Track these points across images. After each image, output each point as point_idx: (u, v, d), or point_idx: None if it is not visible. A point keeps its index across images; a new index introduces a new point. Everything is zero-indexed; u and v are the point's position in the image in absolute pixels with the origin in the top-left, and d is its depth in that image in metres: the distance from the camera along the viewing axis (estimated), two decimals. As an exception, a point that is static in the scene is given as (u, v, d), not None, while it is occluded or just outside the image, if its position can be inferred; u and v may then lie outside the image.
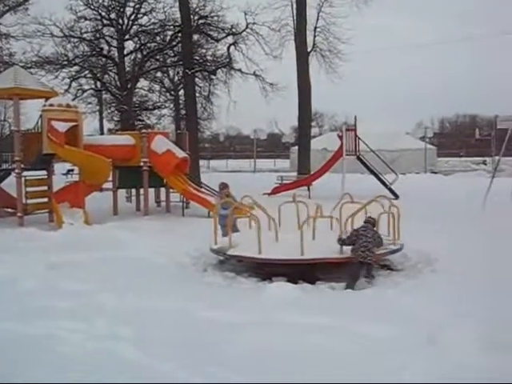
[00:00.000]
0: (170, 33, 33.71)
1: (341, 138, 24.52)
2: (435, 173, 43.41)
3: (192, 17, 30.20)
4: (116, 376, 5.16)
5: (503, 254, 10.31)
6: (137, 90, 38.20)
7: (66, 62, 32.47)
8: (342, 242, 9.36)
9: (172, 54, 34.73)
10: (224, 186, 12.93)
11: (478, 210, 17.94)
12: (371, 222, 9.68)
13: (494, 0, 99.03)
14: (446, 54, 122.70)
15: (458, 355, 5.46)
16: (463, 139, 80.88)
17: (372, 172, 25.04)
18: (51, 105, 16.06)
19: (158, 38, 34.32)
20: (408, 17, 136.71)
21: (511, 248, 10.92)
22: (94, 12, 33.94)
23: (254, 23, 31.57)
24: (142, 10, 34.64)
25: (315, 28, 33.85)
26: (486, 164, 50.86)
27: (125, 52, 35.13)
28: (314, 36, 33.87)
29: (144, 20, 34.87)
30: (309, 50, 32.62)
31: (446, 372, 5.17)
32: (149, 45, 34.54)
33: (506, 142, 20.32)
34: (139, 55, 35.39)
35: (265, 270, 9.71)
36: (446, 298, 7.57)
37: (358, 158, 24.79)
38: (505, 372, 5.00)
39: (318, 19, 33.90)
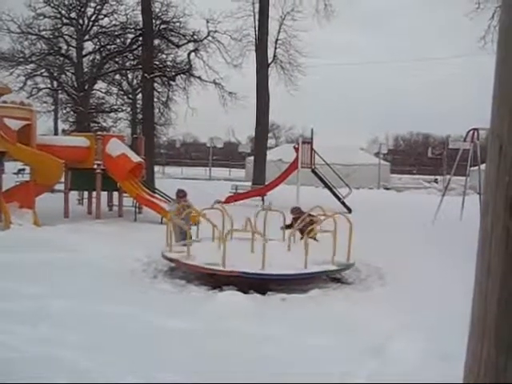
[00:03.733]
0: (130, 36, 33.37)
1: (297, 150, 24.70)
2: (388, 189, 44.16)
3: (154, 21, 30.03)
4: (59, 380, 5.03)
5: (450, 269, 10.55)
6: (94, 92, 37.69)
7: (22, 60, 31.79)
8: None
9: (132, 58, 34.40)
10: (183, 193, 12.37)
11: (428, 227, 18.33)
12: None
13: (452, 23, 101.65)
14: (402, 72, 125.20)
15: (403, 366, 5.55)
16: (416, 157, 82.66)
17: (326, 185, 25.27)
18: (4, 102, 15.72)
19: (118, 41, 33.95)
20: (368, 34, 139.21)
21: (458, 263, 11.15)
22: (54, 10, 33.41)
23: (215, 31, 31.63)
24: (103, 12, 34.29)
25: (276, 40, 34.09)
26: (437, 182, 52.02)
27: (83, 52, 34.65)
28: (275, 48, 34.10)
29: (105, 21, 34.51)
30: (269, 61, 32.80)
31: (390, 381, 5.24)
32: (108, 47, 34.12)
33: (457, 161, 20.81)
34: (98, 56, 34.96)
35: (215, 279, 9.68)
36: (394, 310, 7.69)
37: (313, 171, 25.00)
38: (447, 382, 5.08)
39: (279, 31, 34.17)
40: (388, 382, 5.24)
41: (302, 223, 10.90)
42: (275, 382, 5.23)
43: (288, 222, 12.19)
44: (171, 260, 10.13)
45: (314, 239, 10.90)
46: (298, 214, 12.49)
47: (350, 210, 22.87)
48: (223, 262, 9.07)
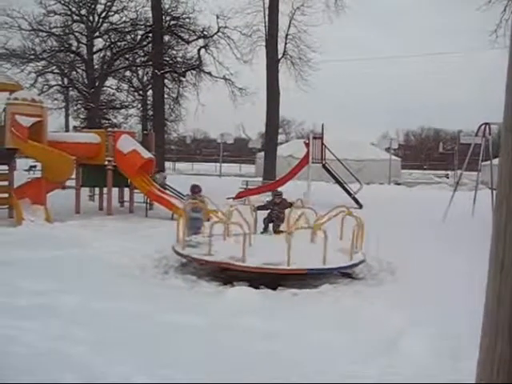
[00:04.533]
0: (140, 32, 33.40)
1: (307, 145, 24.65)
2: (399, 184, 43.98)
3: (164, 17, 30.07)
4: (67, 376, 5.04)
5: (462, 265, 10.48)
6: (104, 89, 37.74)
7: (33, 57, 31.87)
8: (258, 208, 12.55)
9: (142, 54, 34.41)
10: (198, 189, 12.38)
11: (440, 222, 18.24)
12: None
13: (462, 17, 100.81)
14: (414, 67, 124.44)
15: (414, 362, 5.53)
16: (427, 152, 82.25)
17: (337, 181, 25.21)
18: (15, 98, 15.76)
19: (128, 37, 33.96)
20: (379, 30, 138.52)
21: (470, 259, 11.09)
22: (65, 7, 33.46)
23: (225, 27, 31.60)
24: (114, 8, 34.29)
25: (286, 35, 34.00)
26: (448, 177, 51.72)
27: (94, 49, 34.68)
28: (285, 43, 34.02)
29: (115, 18, 34.53)
30: (279, 56, 32.74)
31: (401, 379, 5.22)
32: (119, 43, 34.13)
33: (468, 156, 20.69)
34: (108, 53, 34.96)
35: (226, 274, 9.68)
36: (405, 306, 7.64)
37: (324, 167, 24.94)
38: (457, 380, 5.06)
39: (289, 27, 34.07)
40: (399, 383, 5.20)
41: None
42: (285, 379, 5.23)
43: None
44: (207, 262, 9.78)
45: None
46: (280, 198, 12.79)
47: (360, 206, 22.82)
48: (288, 260, 9.03)
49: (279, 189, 21.31)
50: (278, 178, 28.06)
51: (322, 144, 24.91)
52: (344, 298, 8.38)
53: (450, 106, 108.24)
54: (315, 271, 9.38)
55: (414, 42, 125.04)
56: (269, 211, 13.13)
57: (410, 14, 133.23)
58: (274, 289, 8.91)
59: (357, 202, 23.46)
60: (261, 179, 31.70)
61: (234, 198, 23.94)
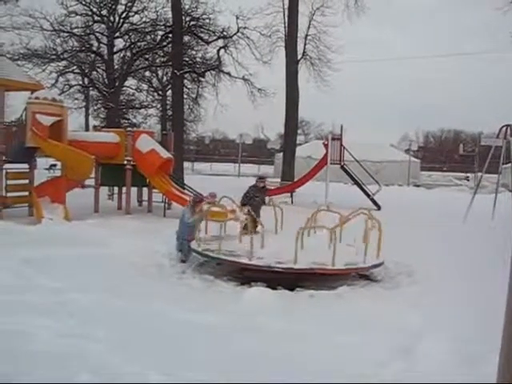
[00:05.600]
0: (160, 33, 33.56)
1: (326, 146, 24.58)
2: (418, 186, 43.71)
3: (183, 18, 30.13)
4: (83, 376, 5.07)
5: (481, 268, 10.38)
6: (124, 89, 38.01)
7: (54, 57, 32.18)
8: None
9: (161, 54, 34.58)
10: (199, 199, 11.62)
11: (459, 224, 18.07)
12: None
13: (487, 19, 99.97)
14: (434, 68, 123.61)
15: (430, 366, 5.48)
16: (447, 154, 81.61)
17: (355, 182, 25.10)
18: (37, 98, 15.89)
19: (148, 38, 34.14)
20: (398, 30, 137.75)
21: (489, 262, 10.99)
22: (85, 8, 33.77)
23: (245, 27, 31.58)
24: (134, 9, 34.55)
25: (306, 36, 33.91)
26: (468, 180, 51.31)
27: (114, 49, 34.93)
28: (305, 44, 33.93)
29: (135, 18, 34.78)
30: (299, 57, 32.68)
31: (418, 381, 5.18)
32: (139, 44, 34.34)
33: (489, 158, 20.49)
34: (128, 53, 35.19)
35: (244, 275, 9.67)
36: (423, 309, 7.59)
37: (342, 168, 24.85)
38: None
39: (309, 27, 33.96)
40: (416, 382, 5.16)
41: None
42: (301, 380, 5.20)
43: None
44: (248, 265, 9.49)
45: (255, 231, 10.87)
46: (263, 182, 13.07)
47: (379, 207, 22.70)
48: (333, 260, 9.09)
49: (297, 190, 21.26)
50: (296, 179, 28.02)
51: (341, 145, 24.82)
52: (361, 300, 8.34)
53: (471, 108, 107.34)
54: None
55: (435, 43, 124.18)
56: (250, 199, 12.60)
57: (431, 13, 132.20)
58: (292, 290, 8.89)
59: (375, 203, 23.34)
60: (279, 180, 31.66)
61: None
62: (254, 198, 12.76)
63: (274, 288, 8.66)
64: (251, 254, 9.37)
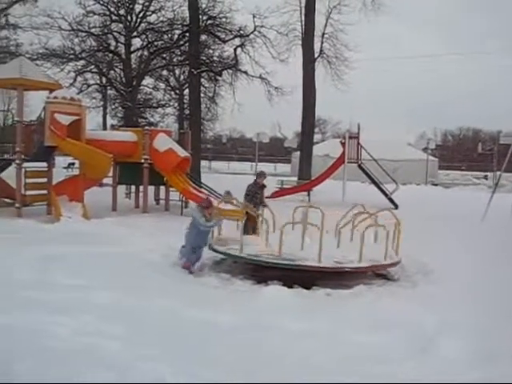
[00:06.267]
0: (177, 32, 33.64)
1: (343, 145, 24.51)
2: (436, 185, 43.39)
3: (200, 17, 30.19)
4: (100, 373, 5.10)
5: (499, 267, 10.30)
6: (142, 88, 38.17)
7: (72, 56, 32.41)
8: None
9: (179, 53, 34.66)
10: (207, 204, 10.49)
11: (478, 224, 17.93)
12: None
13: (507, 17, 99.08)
14: (454, 66, 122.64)
15: (449, 365, 5.45)
16: (465, 153, 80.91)
17: (372, 181, 24.99)
18: (55, 97, 16.03)
19: (165, 37, 34.25)
20: (416, 27, 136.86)
21: (507, 262, 10.91)
22: (103, 7, 33.99)
23: (261, 26, 31.56)
24: (151, 8, 34.70)
25: (323, 34, 33.89)
26: (487, 179, 50.85)
27: (132, 49, 35.12)
28: (322, 42, 33.92)
29: (152, 18, 34.94)
30: (315, 55, 32.62)
31: (435, 381, 5.16)
32: (156, 43, 34.48)
33: (508, 157, 20.31)
34: (146, 53, 35.37)
35: (260, 273, 9.68)
36: (440, 309, 7.54)
37: (359, 166, 24.76)
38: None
39: (326, 25, 33.95)
40: (433, 382, 5.14)
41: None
42: (318, 380, 5.20)
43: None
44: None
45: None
46: (264, 178, 12.66)
47: (396, 206, 22.58)
48: (360, 258, 9.21)
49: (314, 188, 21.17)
50: (313, 178, 27.98)
51: (358, 143, 24.73)
52: (379, 299, 8.30)
53: (490, 106, 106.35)
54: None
55: (454, 40, 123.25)
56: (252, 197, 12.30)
57: (449, 11, 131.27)
58: (308, 288, 8.89)
59: (393, 202, 23.23)
60: (296, 179, 31.63)
61: (268, 197, 23.95)
62: (256, 196, 12.37)
63: (290, 286, 8.66)
64: (310, 256, 9.46)
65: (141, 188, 19.42)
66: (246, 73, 32.28)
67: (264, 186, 12.86)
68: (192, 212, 10.71)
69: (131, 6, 34.67)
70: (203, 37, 32.00)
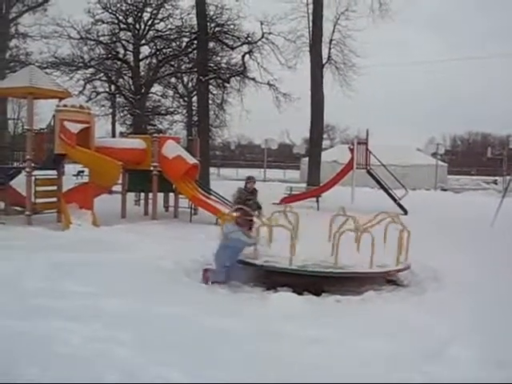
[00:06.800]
0: (185, 39, 33.75)
1: (352, 151, 24.50)
2: (445, 190, 43.28)
3: (208, 24, 30.29)
4: (112, 379, 5.13)
5: (509, 273, 10.24)
6: (150, 95, 38.28)
7: (81, 64, 32.55)
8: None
9: (187, 61, 34.77)
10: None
11: (487, 229, 17.86)
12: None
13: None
14: (461, 71, 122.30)
15: (460, 372, 5.43)
16: (475, 158, 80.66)
17: (382, 186, 24.95)
18: (64, 105, 16.14)
19: (173, 44, 34.36)
20: (424, 33, 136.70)
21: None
22: (112, 16, 34.16)
23: (269, 33, 31.57)
24: (159, 16, 34.88)
25: (331, 40, 33.89)
26: (496, 183, 50.63)
27: (140, 56, 35.27)
28: (329, 48, 33.90)
29: (161, 26, 35.10)
30: (323, 62, 32.63)
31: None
32: (164, 50, 34.60)
33: (517, 161, 20.21)
34: (154, 60, 35.51)
35: (270, 280, 9.67)
36: (451, 315, 7.51)
37: (368, 172, 24.73)
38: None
39: (333, 32, 33.93)
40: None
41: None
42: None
43: None
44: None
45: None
46: (253, 183, 12.48)
47: (406, 212, 22.54)
48: (397, 261, 9.42)
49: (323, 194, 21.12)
50: (322, 184, 27.96)
51: (367, 149, 24.72)
52: (389, 305, 8.28)
53: (499, 111, 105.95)
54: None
55: (461, 45, 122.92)
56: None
57: (455, 17, 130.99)
58: (318, 295, 8.87)
59: (402, 207, 23.18)
60: (305, 185, 31.61)
61: (278, 204, 23.94)
62: (247, 202, 11.64)
63: (299, 293, 8.65)
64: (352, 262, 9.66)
65: (150, 195, 19.48)
66: (254, 79, 32.32)
67: (255, 191, 12.58)
68: (227, 229, 9.85)
69: (139, 15, 34.83)
70: (211, 44, 32.09)
